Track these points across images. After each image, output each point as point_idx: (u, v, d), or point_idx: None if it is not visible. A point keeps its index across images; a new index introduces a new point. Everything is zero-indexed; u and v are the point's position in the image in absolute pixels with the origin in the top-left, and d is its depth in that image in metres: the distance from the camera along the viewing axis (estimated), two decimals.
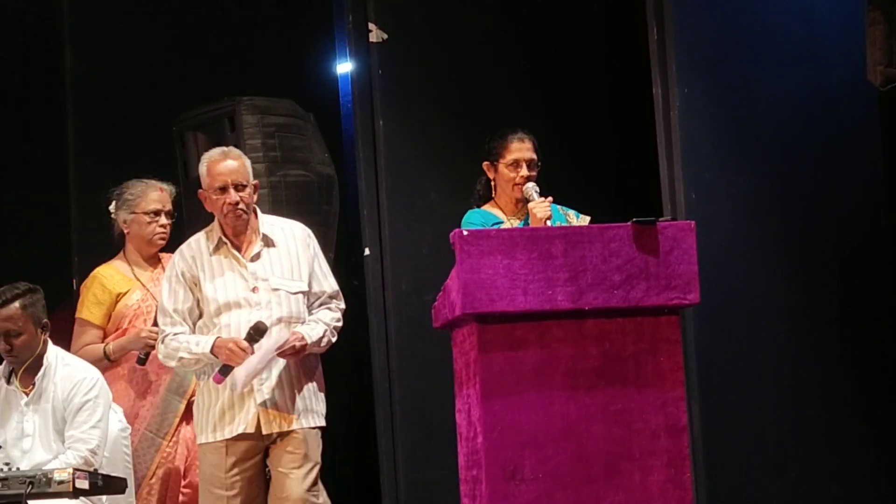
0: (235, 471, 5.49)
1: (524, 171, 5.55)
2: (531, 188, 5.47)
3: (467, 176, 5.70)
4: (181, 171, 7.15)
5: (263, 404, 5.46)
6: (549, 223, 5.35)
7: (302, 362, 5.53)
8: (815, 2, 6.22)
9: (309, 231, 5.70)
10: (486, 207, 5.63)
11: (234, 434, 5.47)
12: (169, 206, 6.19)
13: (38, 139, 8.07)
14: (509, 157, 5.56)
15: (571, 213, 5.62)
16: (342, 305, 5.63)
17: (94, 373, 5.79)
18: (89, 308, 6.14)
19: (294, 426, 5.48)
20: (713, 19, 6.09)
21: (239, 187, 5.53)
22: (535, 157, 5.56)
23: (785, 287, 6.12)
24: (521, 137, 5.59)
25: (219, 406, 5.50)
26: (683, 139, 5.91)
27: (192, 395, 5.85)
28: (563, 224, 5.53)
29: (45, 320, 5.78)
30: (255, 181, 5.65)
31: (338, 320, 5.58)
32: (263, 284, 5.52)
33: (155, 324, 5.80)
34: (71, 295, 7.72)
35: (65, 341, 6.11)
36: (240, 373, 5.38)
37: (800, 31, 6.19)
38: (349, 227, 7.17)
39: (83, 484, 5.18)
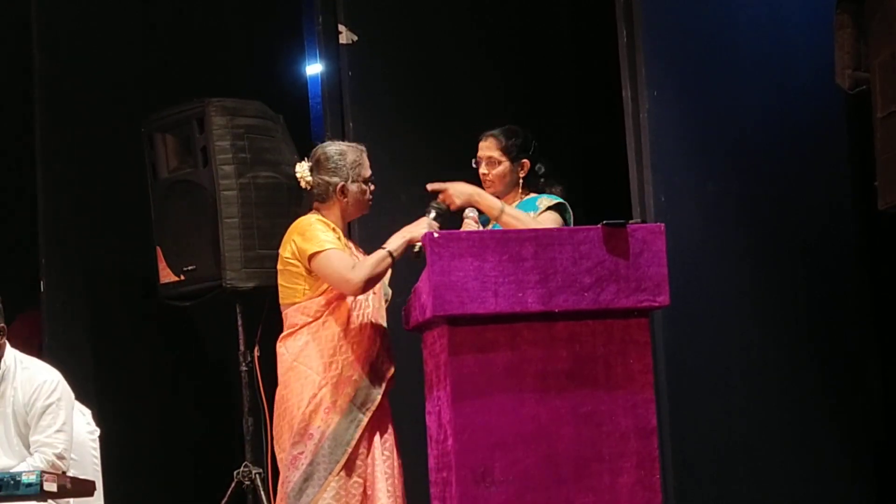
0: None
1: (483, 170, 5.56)
2: (470, 214, 5.47)
3: (437, 178, 5.69)
4: (150, 172, 7.13)
5: None
6: None
7: None
8: (785, 5, 6.24)
9: None
10: None
11: None
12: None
13: (5, 140, 8.04)
14: (477, 157, 5.59)
15: (546, 199, 5.59)
16: None
17: (55, 375, 5.74)
18: (330, 239, 5.33)
19: None
20: (683, 22, 6.10)
21: None
22: (494, 154, 5.55)
23: (754, 289, 6.14)
24: (485, 135, 5.59)
25: None
26: (653, 142, 5.92)
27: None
28: None
29: (2, 325, 5.71)
30: None
31: None
32: None
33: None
34: (37, 298, 7.71)
35: (32, 347, 6.06)
36: None
37: (769, 34, 6.21)
38: None
39: (51, 486, 5.15)
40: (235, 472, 6.82)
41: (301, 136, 7.23)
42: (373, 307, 5.42)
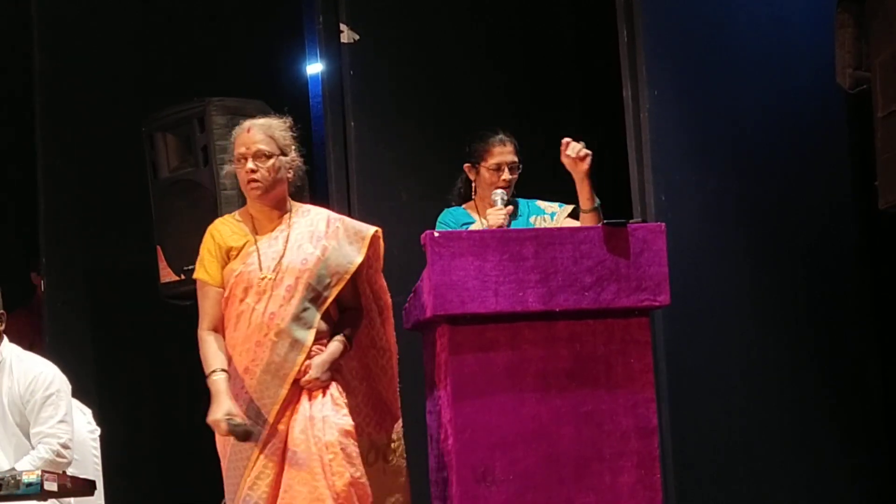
0: None
1: (506, 175, 5.48)
2: (498, 195, 5.42)
3: (438, 177, 5.69)
4: (150, 171, 7.13)
5: None
6: None
7: None
8: (785, 5, 6.25)
9: None
10: (464, 207, 5.59)
11: None
12: (256, 147, 5.07)
13: (6, 140, 8.04)
14: (491, 161, 5.47)
15: (555, 205, 5.55)
16: None
17: (52, 367, 5.73)
18: (204, 266, 5.05)
19: None
20: (683, 21, 6.11)
21: None
22: (516, 159, 5.52)
23: (754, 288, 6.14)
24: (503, 140, 5.48)
25: None
26: (653, 141, 5.93)
27: (299, 376, 4.83)
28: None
29: (2, 311, 5.67)
30: None
31: None
32: None
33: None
34: (34, 295, 7.71)
35: (24, 342, 6.05)
36: None
37: (770, 33, 6.21)
38: None
39: (52, 486, 5.14)
40: None
41: (302, 136, 7.22)
42: (266, 310, 4.88)
